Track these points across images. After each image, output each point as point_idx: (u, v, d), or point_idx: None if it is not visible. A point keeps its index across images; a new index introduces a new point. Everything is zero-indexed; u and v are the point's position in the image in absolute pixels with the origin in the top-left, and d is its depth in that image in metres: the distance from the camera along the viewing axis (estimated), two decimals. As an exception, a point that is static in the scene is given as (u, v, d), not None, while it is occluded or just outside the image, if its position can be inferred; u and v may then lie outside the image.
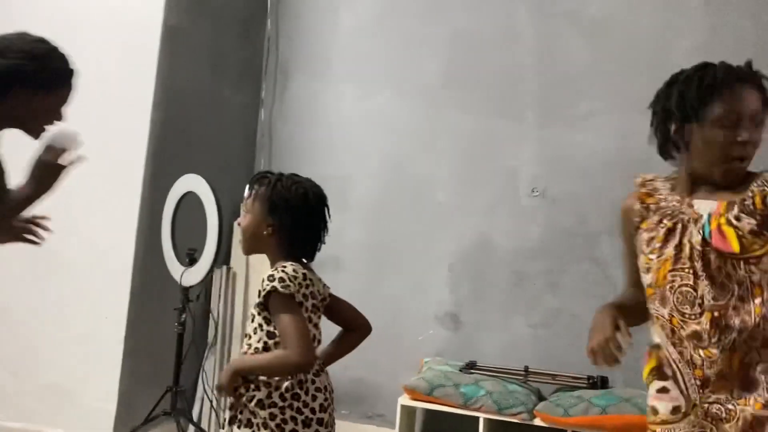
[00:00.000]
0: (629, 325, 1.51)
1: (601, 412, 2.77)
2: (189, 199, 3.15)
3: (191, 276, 3.06)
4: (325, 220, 1.79)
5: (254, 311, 1.70)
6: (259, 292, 1.66)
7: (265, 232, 1.72)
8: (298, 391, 1.64)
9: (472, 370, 3.20)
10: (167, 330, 3.19)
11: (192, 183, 3.14)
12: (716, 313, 1.46)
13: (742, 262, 1.44)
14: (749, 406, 1.45)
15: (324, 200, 1.79)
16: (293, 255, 1.74)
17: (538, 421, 2.92)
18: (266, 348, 1.66)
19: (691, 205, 1.52)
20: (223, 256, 3.63)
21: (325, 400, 1.69)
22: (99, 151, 3.33)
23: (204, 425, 3.53)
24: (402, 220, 3.71)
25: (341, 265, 3.79)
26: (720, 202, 1.48)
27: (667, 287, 1.51)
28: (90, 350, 3.22)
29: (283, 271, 1.65)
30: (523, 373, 3.16)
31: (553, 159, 3.46)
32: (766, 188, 1.44)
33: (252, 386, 1.66)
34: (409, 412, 3.29)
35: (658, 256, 1.52)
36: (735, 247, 1.43)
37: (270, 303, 1.64)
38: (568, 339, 3.30)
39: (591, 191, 3.33)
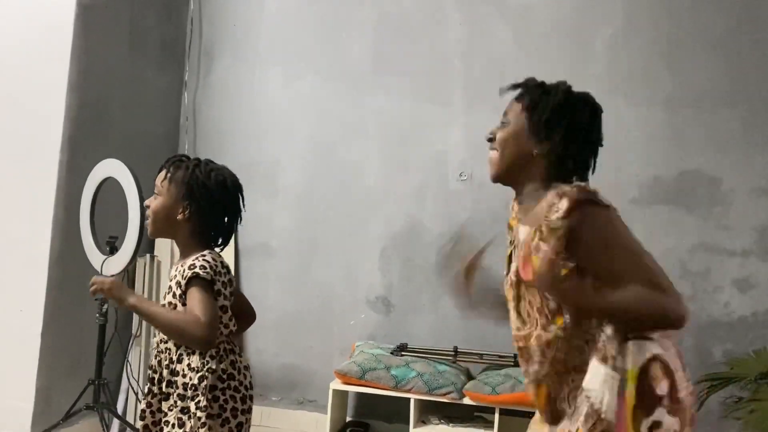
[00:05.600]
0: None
1: (527, 388, 2.86)
2: (109, 186, 3.03)
3: (113, 265, 2.95)
4: (240, 210, 1.77)
5: (171, 300, 1.66)
6: (179, 282, 1.63)
7: (179, 216, 1.69)
8: (233, 371, 1.67)
9: (403, 353, 3.24)
10: (88, 321, 3.07)
11: (111, 168, 3.02)
12: (520, 344, 1.44)
13: (538, 290, 1.38)
14: None
15: (241, 189, 1.78)
16: (205, 242, 1.72)
17: (467, 400, 2.99)
18: None
19: (516, 231, 1.49)
20: (146, 245, 3.51)
21: (251, 377, 1.75)
22: (12, 135, 3.18)
23: (130, 418, 3.43)
24: (331, 205, 3.69)
25: (271, 251, 3.75)
26: (531, 228, 1.40)
27: None
28: (3, 345, 3.07)
29: (203, 259, 1.64)
30: (452, 353, 3.23)
31: (480, 143, 3.48)
32: (548, 212, 1.35)
33: (176, 379, 1.64)
34: (340, 396, 3.30)
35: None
36: (531, 275, 1.38)
37: (188, 287, 1.61)
38: (495, 319, 3.38)
39: (516, 175, 3.41)
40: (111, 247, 2.97)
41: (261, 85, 3.87)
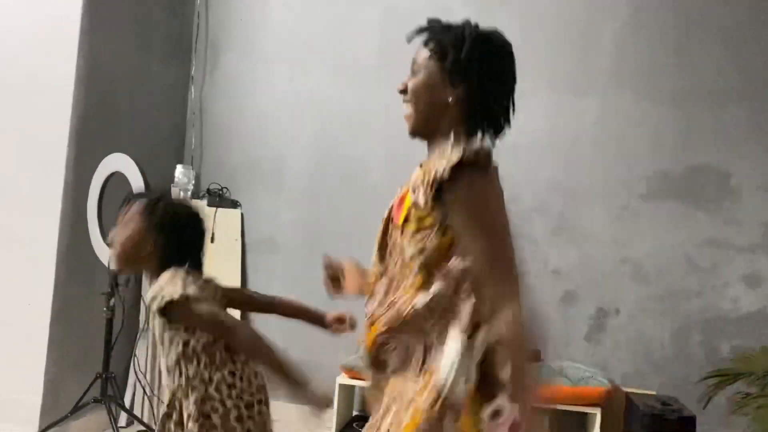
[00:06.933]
0: None
1: (533, 384, 2.86)
2: (116, 180, 3.04)
3: (120, 260, 2.96)
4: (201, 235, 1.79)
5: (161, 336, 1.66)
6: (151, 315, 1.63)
7: (143, 253, 1.67)
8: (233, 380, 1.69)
9: (409, 348, 3.24)
10: (96, 316, 3.09)
11: (119, 163, 3.03)
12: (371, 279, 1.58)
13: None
14: None
15: (201, 221, 1.79)
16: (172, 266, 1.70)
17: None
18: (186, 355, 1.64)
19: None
20: (153, 239, 3.52)
21: (263, 378, 1.76)
22: (19, 130, 3.19)
23: (137, 411, 3.45)
24: (337, 200, 3.69)
25: (276, 246, 3.75)
26: (422, 171, 1.43)
27: None
28: (12, 339, 3.08)
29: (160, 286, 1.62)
30: (458, 348, 3.22)
31: (487, 138, 3.51)
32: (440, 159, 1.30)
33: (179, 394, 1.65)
34: (347, 390, 3.30)
35: None
36: (399, 218, 1.47)
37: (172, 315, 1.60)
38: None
39: (522, 170, 3.40)
40: (118, 241, 2.98)
41: (267, 79, 3.87)
